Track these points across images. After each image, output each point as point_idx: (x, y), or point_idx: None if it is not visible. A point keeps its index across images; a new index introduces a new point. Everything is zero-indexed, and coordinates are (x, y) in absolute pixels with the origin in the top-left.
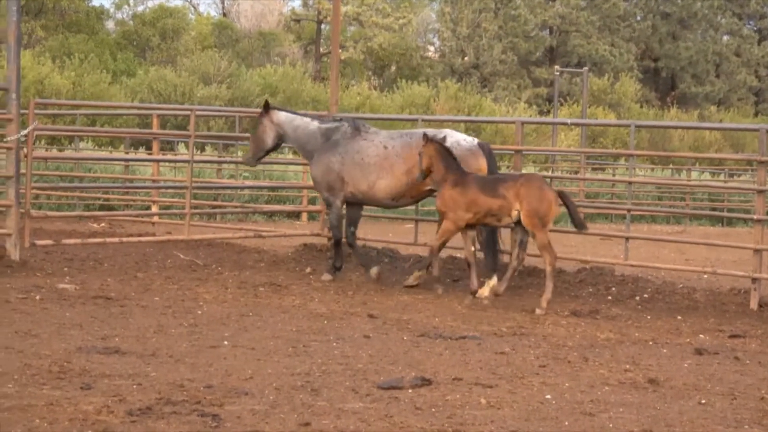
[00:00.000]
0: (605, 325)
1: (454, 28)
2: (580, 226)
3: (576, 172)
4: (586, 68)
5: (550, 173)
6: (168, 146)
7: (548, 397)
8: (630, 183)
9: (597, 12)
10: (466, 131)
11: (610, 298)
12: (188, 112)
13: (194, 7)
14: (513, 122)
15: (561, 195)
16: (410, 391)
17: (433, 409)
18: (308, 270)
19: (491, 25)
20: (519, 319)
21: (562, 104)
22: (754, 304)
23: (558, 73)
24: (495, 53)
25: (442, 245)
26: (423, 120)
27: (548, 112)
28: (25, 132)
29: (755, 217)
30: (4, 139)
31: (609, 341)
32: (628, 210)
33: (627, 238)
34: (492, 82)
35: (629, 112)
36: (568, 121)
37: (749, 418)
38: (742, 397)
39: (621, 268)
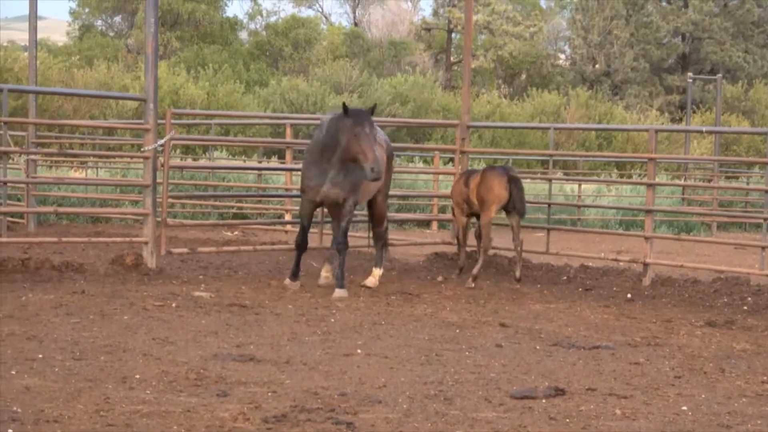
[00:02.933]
0: (741, 336)
1: (585, 35)
2: (519, 213)
3: (709, 180)
4: (719, 75)
5: (682, 181)
6: (301, 155)
7: (684, 408)
8: (766, 191)
9: (730, 18)
10: (597, 139)
11: (745, 308)
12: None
13: (326, 17)
14: (646, 130)
15: (510, 181)
16: (544, 401)
17: (567, 420)
18: (439, 279)
19: (623, 32)
20: (653, 329)
21: (694, 112)
22: None
23: (691, 80)
24: (626, 60)
25: (458, 233)
26: (555, 128)
27: (680, 119)
28: (161, 141)
29: None
30: (142, 149)
31: (745, 352)
32: (765, 218)
33: (763, 248)
34: (623, 90)
35: (763, 120)
36: (703, 128)
37: None
38: None
39: (757, 278)
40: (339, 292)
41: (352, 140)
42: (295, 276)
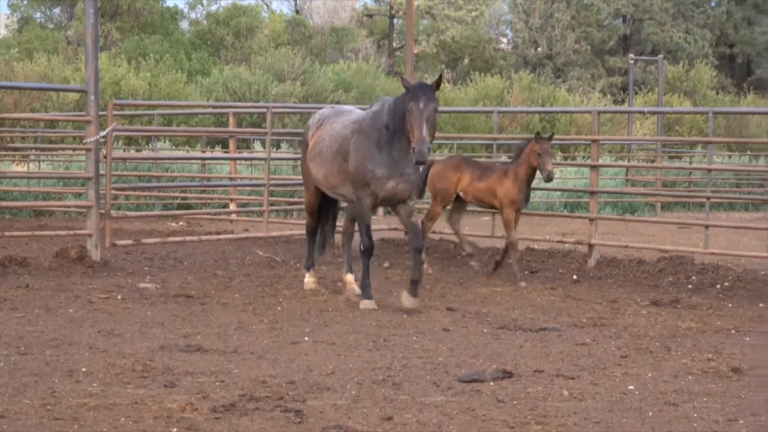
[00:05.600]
0: (686, 315)
1: (526, 19)
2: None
3: (652, 161)
4: (660, 56)
5: (626, 162)
6: (244, 144)
7: (631, 387)
8: (709, 170)
9: None
10: (541, 122)
11: (690, 287)
12: (264, 110)
13: (267, 5)
14: (589, 112)
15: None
16: (492, 383)
17: (515, 402)
18: (386, 264)
19: (564, 15)
20: (599, 310)
21: (637, 93)
22: None
23: (632, 62)
24: (568, 43)
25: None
26: (498, 112)
27: (623, 101)
28: (103, 133)
29: None
30: (84, 141)
31: (691, 330)
32: (708, 198)
33: (706, 226)
34: (566, 73)
35: (705, 99)
36: (645, 109)
37: None
38: None
39: (701, 257)
40: (412, 301)
41: (406, 117)
42: (368, 290)
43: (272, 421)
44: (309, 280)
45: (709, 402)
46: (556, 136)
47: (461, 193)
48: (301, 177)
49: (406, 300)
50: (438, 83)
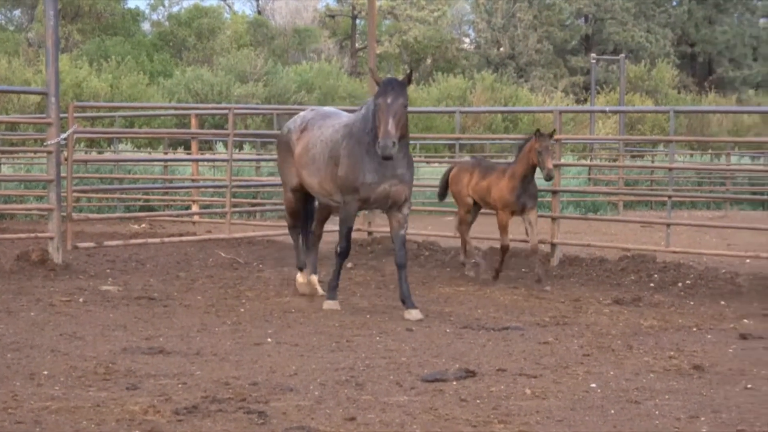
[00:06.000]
0: (648, 313)
1: (488, 18)
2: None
3: (615, 160)
4: (622, 55)
5: (588, 161)
6: (206, 146)
7: (593, 385)
8: (670, 169)
9: None
10: (504, 122)
11: (652, 285)
12: (226, 111)
13: (229, 6)
14: (551, 111)
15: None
16: (454, 383)
17: (478, 401)
18: (349, 265)
19: (526, 15)
20: (562, 309)
21: (599, 92)
22: None
23: (594, 61)
24: (530, 43)
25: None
26: (461, 112)
27: (585, 100)
28: (64, 135)
29: None
30: (45, 143)
31: (653, 328)
32: (669, 196)
33: (668, 225)
34: (528, 72)
35: (667, 98)
36: (607, 108)
37: None
38: None
39: (663, 255)
40: (413, 313)
41: (375, 113)
42: (334, 292)
43: (235, 422)
44: (301, 281)
45: (671, 399)
46: (518, 135)
47: (471, 194)
48: (263, 179)
49: (409, 314)
50: (408, 79)
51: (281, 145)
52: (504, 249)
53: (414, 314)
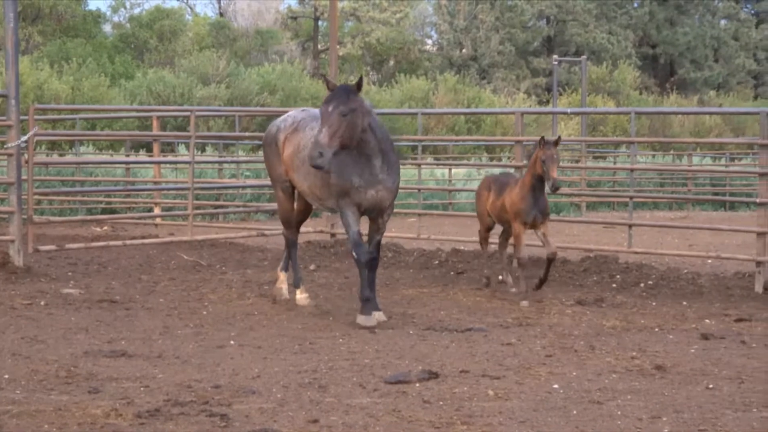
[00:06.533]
0: (611, 313)
1: (451, 20)
2: None
3: (577, 161)
4: (584, 57)
5: None
6: (168, 148)
7: (556, 386)
8: (632, 170)
9: (594, 0)
10: (466, 123)
11: (614, 286)
12: (188, 113)
13: (191, 8)
14: (512, 113)
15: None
16: (417, 384)
17: (441, 402)
18: (312, 267)
19: (488, 17)
20: (524, 310)
21: (561, 93)
22: (759, 288)
23: (556, 63)
24: (493, 44)
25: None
26: (423, 113)
27: (547, 101)
28: (25, 138)
29: (758, 200)
30: (5, 146)
31: (615, 329)
32: (631, 197)
33: (630, 226)
34: (490, 74)
35: (628, 100)
36: (568, 110)
37: (757, 401)
38: (749, 381)
39: (625, 256)
40: (365, 319)
41: None
42: (372, 304)
43: (197, 425)
44: (301, 296)
45: (633, 400)
46: (480, 137)
47: (490, 213)
48: (225, 181)
49: (359, 318)
50: (358, 85)
51: (268, 143)
52: (521, 263)
53: (363, 320)
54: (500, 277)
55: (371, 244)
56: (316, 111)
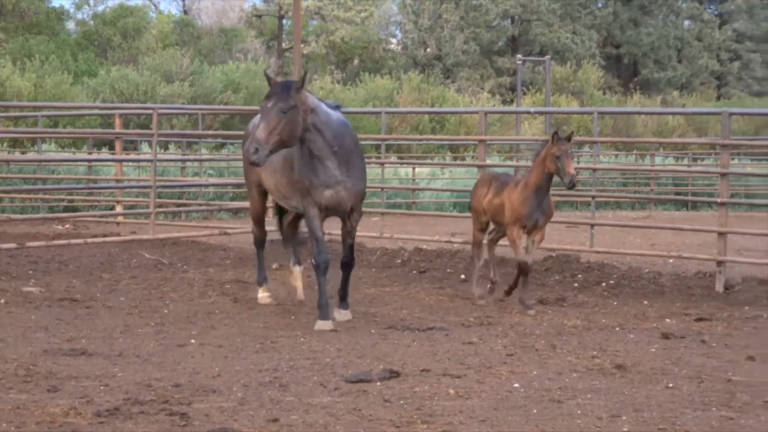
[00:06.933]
0: (572, 313)
1: (415, 19)
2: None
3: None
4: (548, 56)
5: (515, 162)
6: (131, 146)
7: (516, 385)
8: (594, 170)
9: (558, 0)
10: (431, 122)
11: (576, 285)
12: (150, 111)
13: (155, 6)
14: (476, 112)
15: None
16: (378, 383)
17: (402, 401)
18: (274, 266)
19: (453, 16)
20: (486, 309)
21: (525, 93)
22: (719, 287)
23: (520, 62)
24: (457, 44)
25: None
26: (386, 112)
27: (511, 101)
28: None
29: (719, 200)
30: None
31: (576, 328)
32: (593, 197)
33: (592, 225)
34: (455, 73)
35: (592, 99)
36: (532, 109)
37: (716, 400)
38: (709, 380)
39: (587, 255)
40: (345, 314)
41: None
42: (325, 310)
43: (157, 424)
44: (263, 295)
45: (593, 399)
46: (444, 137)
47: (486, 211)
48: (188, 179)
49: (338, 315)
50: (302, 82)
51: (245, 144)
52: (521, 267)
53: (342, 315)
54: (463, 276)
55: (344, 248)
56: None
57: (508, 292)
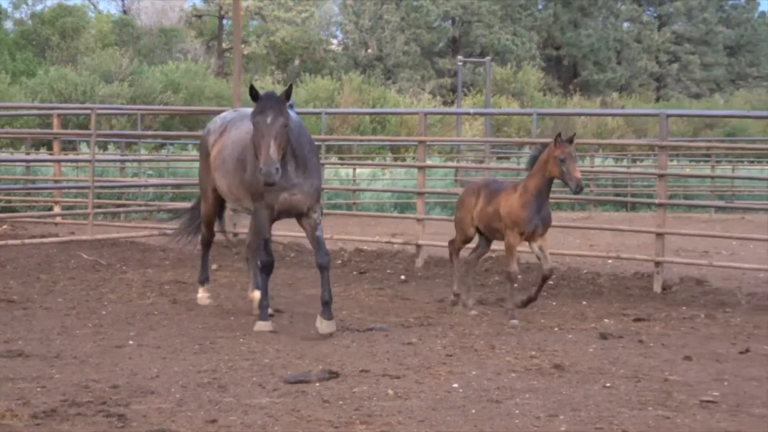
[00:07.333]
0: (512, 313)
1: (356, 20)
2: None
3: (481, 162)
4: (488, 58)
5: (455, 163)
6: (70, 146)
7: (455, 385)
8: None
9: (499, 1)
10: (371, 123)
11: (516, 285)
12: (89, 112)
13: (94, 5)
14: (416, 113)
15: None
16: (318, 384)
17: (341, 402)
18: (214, 267)
19: (393, 17)
20: (426, 310)
21: (465, 94)
22: (657, 288)
23: (461, 64)
24: (398, 45)
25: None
26: (327, 113)
27: (452, 102)
28: None
29: (657, 201)
30: None
31: (515, 328)
32: None
33: None
34: (396, 74)
35: (532, 101)
36: (471, 110)
37: (653, 399)
38: (646, 380)
39: (526, 256)
40: (327, 325)
41: (253, 134)
42: (266, 311)
43: (94, 426)
44: (203, 295)
45: (531, 398)
46: (384, 137)
47: (476, 222)
48: (127, 180)
49: (321, 324)
50: (287, 94)
51: (201, 149)
52: (510, 277)
53: (325, 326)
54: (403, 276)
55: (314, 244)
56: (247, 111)
57: (526, 303)
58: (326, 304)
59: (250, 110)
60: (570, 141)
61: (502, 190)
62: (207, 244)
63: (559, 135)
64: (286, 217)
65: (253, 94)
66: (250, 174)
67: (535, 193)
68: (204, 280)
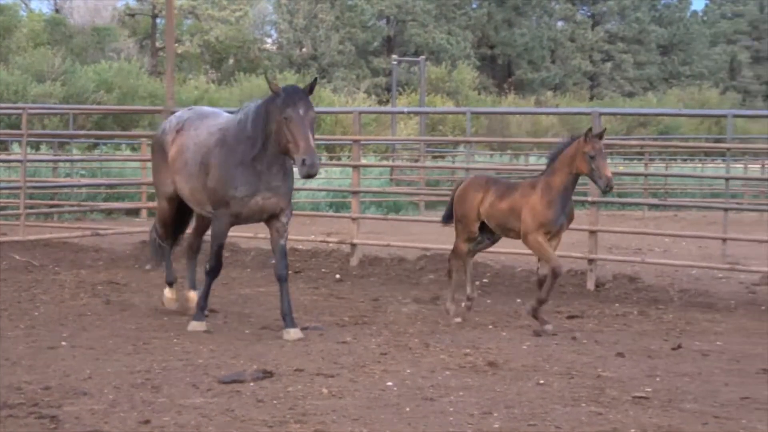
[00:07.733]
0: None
1: (290, 19)
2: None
3: (416, 161)
4: (423, 57)
5: (390, 162)
6: (1, 146)
7: (390, 384)
8: (467, 170)
9: (433, 1)
10: None
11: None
12: (21, 111)
13: (26, 4)
14: (350, 112)
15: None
16: (252, 384)
17: (275, 401)
18: (148, 267)
19: (328, 16)
20: (361, 308)
21: (400, 93)
22: (590, 285)
23: (395, 63)
24: (333, 44)
25: None
26: None
27: (387, 101)
28: None
29: (590, 199)
30: None
31: (450, 327)
32: None
33: None
34: (330, 73)
35: (467, 100)
36: (405, 109)
37: (586, 396)
38: (579, 376)
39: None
40: (294, 333)
41: (281, 126)
42: (202, 312)
43: (26, 427)
44: (169, 297)
45: (465, 396)
46: (319, 137)
47: (484, 219)
48: (60, 180)
49: (288, 334)
50: (311, 88)
51: (155, 147)
52: (556, 272)
53: (293, 334)
54: (338, 276)
55: (277, 252)
56: (205, 110)
57: (539, 305)
58: (286, 316)
59: (207, 109)
60: (600, 137)
61: (516, 188)
62: (170, 243)
63: (589, 130)
64: (254, 222)
65: (274, 89)
66: (214, 180)
67: (561, 190)
68: (172, 281)
